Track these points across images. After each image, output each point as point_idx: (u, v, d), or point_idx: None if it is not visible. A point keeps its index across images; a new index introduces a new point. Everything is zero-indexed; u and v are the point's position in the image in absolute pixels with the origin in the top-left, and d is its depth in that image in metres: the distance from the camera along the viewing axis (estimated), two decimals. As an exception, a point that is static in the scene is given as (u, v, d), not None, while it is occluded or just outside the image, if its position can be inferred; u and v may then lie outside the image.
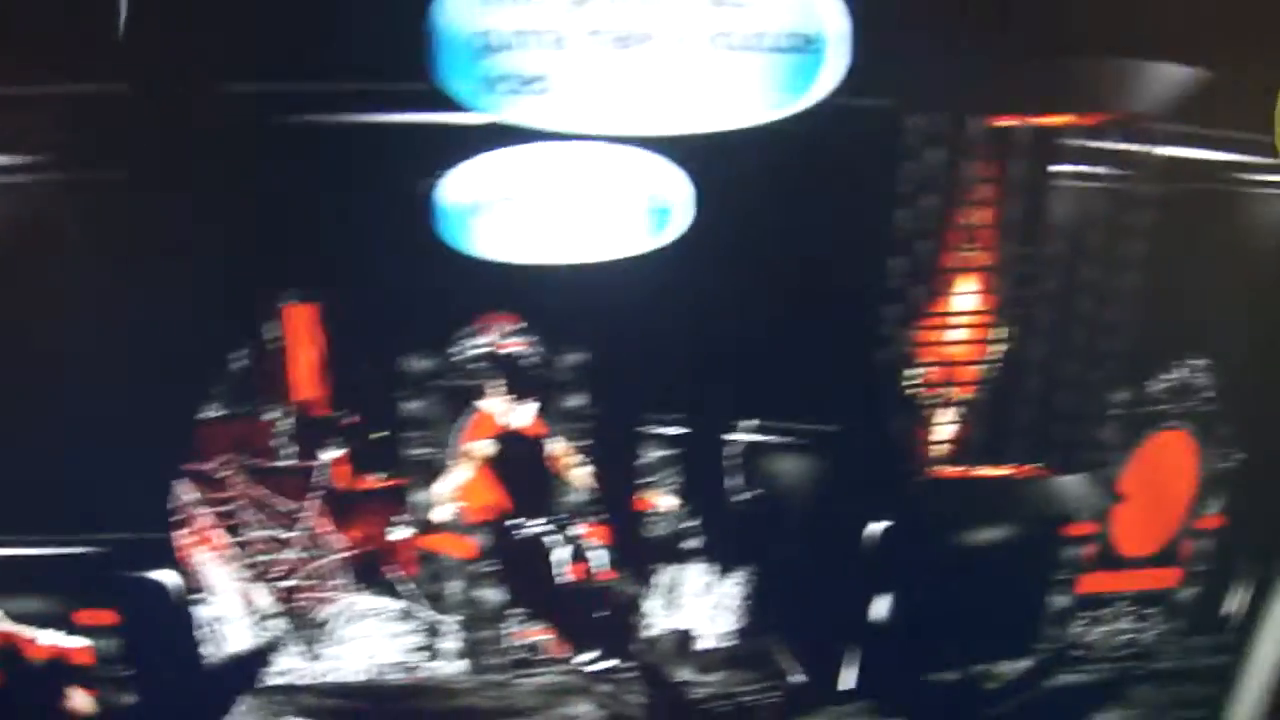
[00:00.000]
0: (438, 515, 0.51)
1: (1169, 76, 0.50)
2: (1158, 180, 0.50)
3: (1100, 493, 0.54)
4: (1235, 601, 0.60)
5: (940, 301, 0.48)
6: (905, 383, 0.49)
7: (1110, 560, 0.56)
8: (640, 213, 0.43)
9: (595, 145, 0.42)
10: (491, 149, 0.41)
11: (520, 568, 0.52)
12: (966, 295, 0.49)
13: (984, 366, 0.48)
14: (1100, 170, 0.49)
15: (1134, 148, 0.49)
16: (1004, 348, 0.48)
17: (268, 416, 0.55)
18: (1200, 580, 0.58)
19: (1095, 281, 0.51)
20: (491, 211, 0.42)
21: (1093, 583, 0.57)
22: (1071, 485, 0.54)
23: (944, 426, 0.50)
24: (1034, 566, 0.55)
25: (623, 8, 0.39)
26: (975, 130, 0.46)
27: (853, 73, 0.43)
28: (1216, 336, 0.53)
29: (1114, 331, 0.52)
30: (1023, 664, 0.60)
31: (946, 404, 0.50)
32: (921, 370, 0.48)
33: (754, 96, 0.41)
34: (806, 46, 0.42)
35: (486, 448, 0.50)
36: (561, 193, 0.43)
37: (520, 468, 0.52)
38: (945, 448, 0.50)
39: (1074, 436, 0.53)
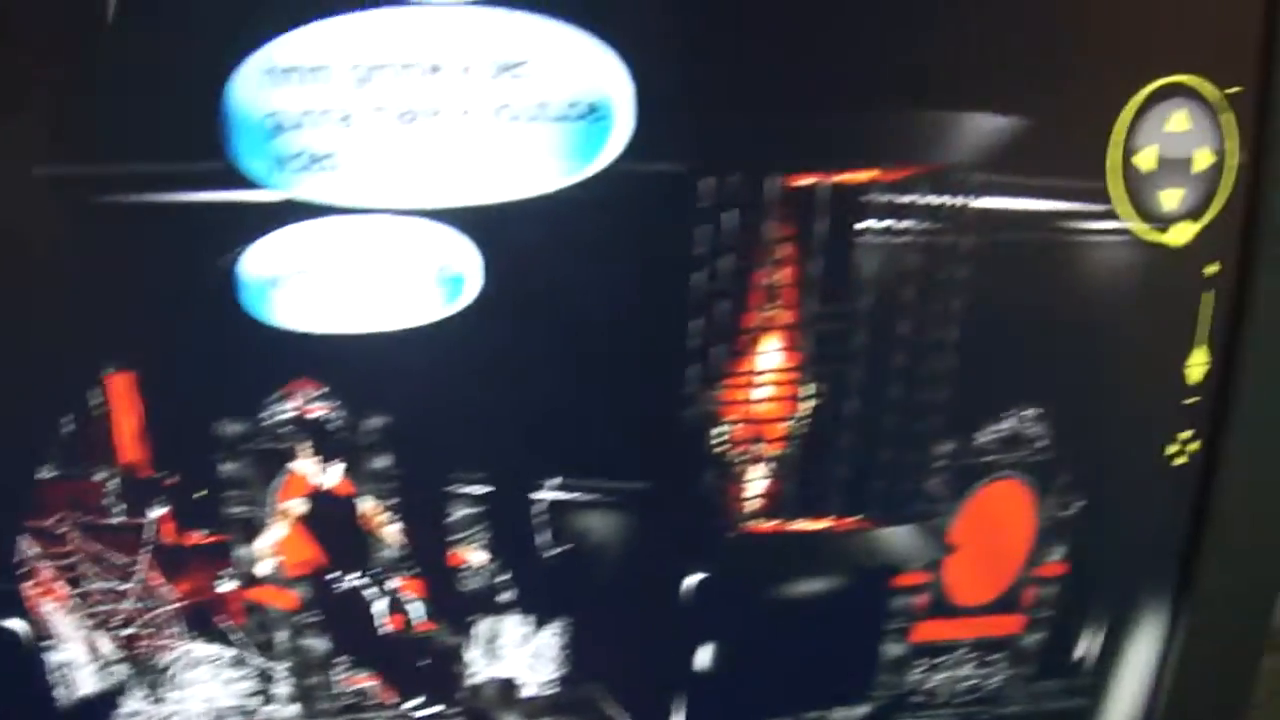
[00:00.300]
0: (260, 569, 0.52)
1: (980, 127, 0.48)
2: (973, 231, 0.48)
3: (929, 543, 0.53)
4: (1086, 645, 0.59)
5: (744, 360, 0.47)
6: (712, 440, 0.48)
7: (945, 608, 0.55)
8: (432, 282, 0.42)
9: (387, 218, 0.42)
10: (287, 224, 0.41)
11: (341, 618, 0.53)
12: (771, 353, 0.48)
13: (794, 422, 0.48)
14: (911, 224, 0.47)
15: (946, 200, 0.48)
16: (814, 403, 0.47)
17: (98, 477, 0.56)
18: (1045, 626, 0.56)
19: (911, 335, 0.49)
20: (290, 284, 0.42)
21: (928, 630, 0.55)
22: (897, 536, 0.53)
23: (756, 482, 0.49)
24: (862, 616, 0.54)
25: (405, 85, 0.39)
26: (772, 189, 0.45)
27: (643, 138, 0.43)
28: (1046, 385, 0.51)
29: (934, 383, 0.50)
30: (859, 710, 0.59)
31: (757, 460, 0.49)
32: (728, 428, 0.47)
33: (541, 165, 0.41)
34: (591, 114, 0.41)
35: (299, 506, 0.50)
36: (356, 264, 0.43)
37: (333, 525, 0.52)
38: (759, 503, 0.50)
39: (896, 489, 0.52)
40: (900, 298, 0.52)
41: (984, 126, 0.50)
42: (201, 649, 0.54)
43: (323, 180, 0.43)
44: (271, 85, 0.41)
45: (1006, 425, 0.55)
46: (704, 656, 0.55)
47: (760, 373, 0.51)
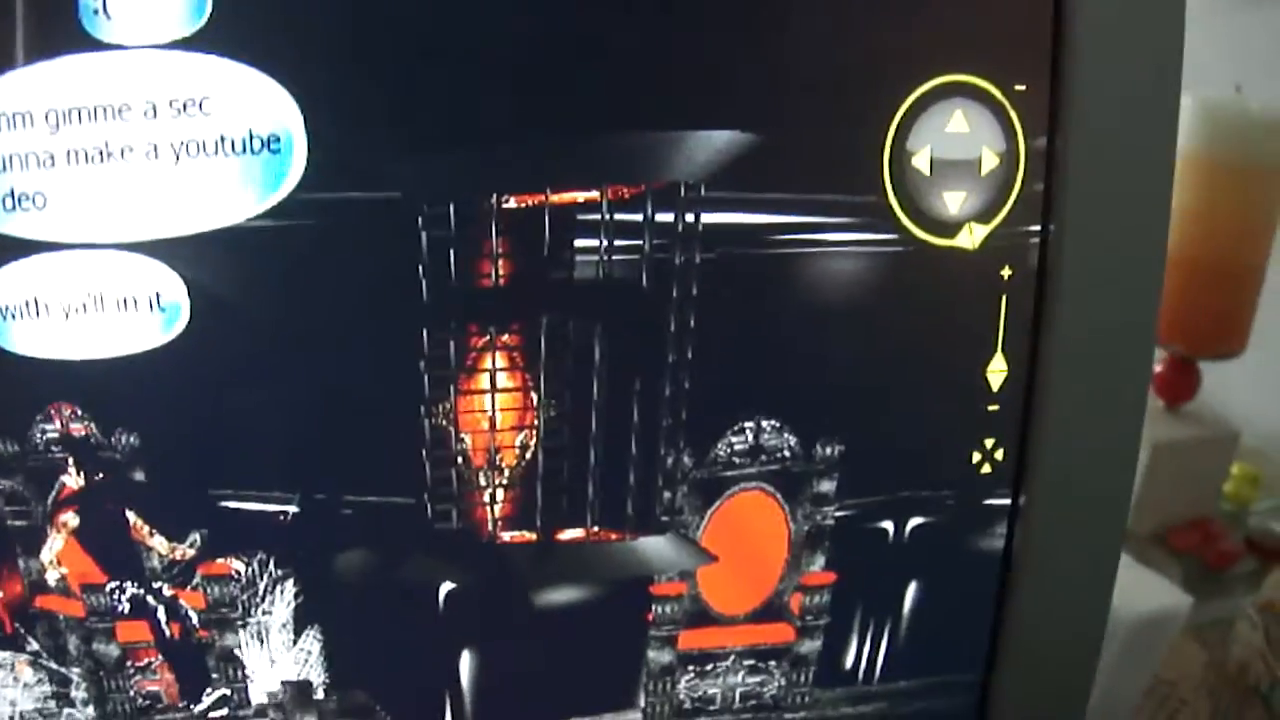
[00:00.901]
0: (46, 578, 0.55)
1: (700, 143, 0.49)
2: (697, 247, 0.49)
3: (681, 553, 0.53)
4: (869, 652, 0.59)
5: (473, 377, 0.48)
6: (450, 454, 0.50)
7: (707, 617, 0.55)
8: (149, 311, 0.45)
9: (102, 252, 0.45)
10: (9, 260, 0.44)
11: (126, 625, 0.56)
12: (499, 371, 0.49)
13: (530, 436, 0.49)
14: (636, 242, 0.48)
15: (668, 217, 0.49)
16: (548, 418, 0.48)
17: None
18: (820, 634, 0.56)
19: (641, 352, 0.50)
20: (20, 316, 0.45)
21: (694, 639, 0.56)
22: (645, 548, 0.54)
23: (499, 495, 0.50)
24: (623, 624, 0.55)
25: (95, 129, 0.43)
26: (486, 211, 0.47)
27: (333, 166, 0.46)
28: (784, 396, 0.52)
29: (669, 398, 0.51)
30: (631, 716, 0.59)
31: (498, 473, 0.50)
32: (466, 447, 0.49)
33: (231, 197, 0.43)
34: (274, 145, 0.44)
35: (72, 519, 0.53)
36: (78, 296, 0.45)
37: (106, 536, 0.55)
38: (503, 515, 0.51)
39: (638, 502, 0.53)
40: (628, 314, 0.54)
41: (721, 142, 0.52)
42: (2, 655, 0.58)
43: (32, 219, 0.47)
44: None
45: (746, 437, 0.57)
46: (466, 663, 0.58)
47: (491, 389, 0.53)
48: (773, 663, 0.60)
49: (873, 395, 0.57)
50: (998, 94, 0.49)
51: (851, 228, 0.53)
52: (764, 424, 0.56)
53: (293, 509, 0.55)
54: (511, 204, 0.51)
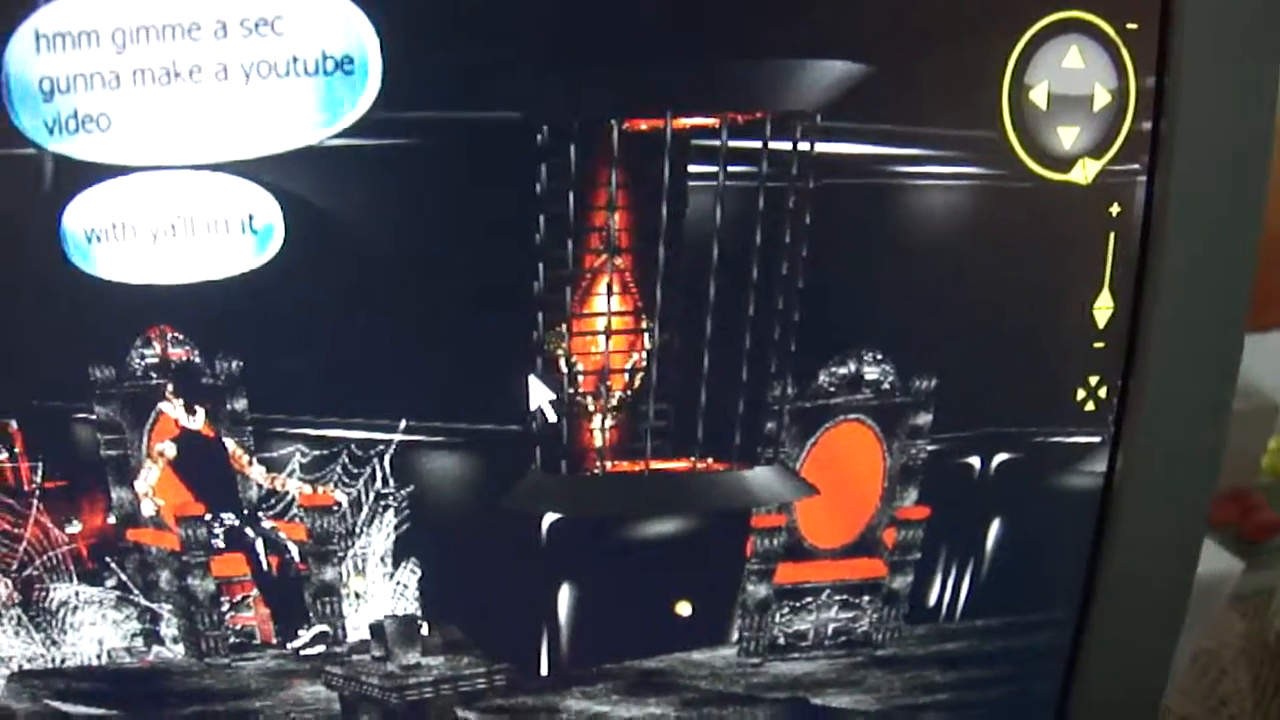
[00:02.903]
0: (140, 510, 0.54)
1: (818, 73, 0.49)
2: (811, 176, 0.50)
3: (783, 484, 0.53)
4: (956, 590, 0.59)
5: (585, 304, 0.48)
6: (559, 383, 0.49)
7: (802, 551, 0.55)
8: (241, 234, 0.44)
9: (189, 173, 0.44)
10: (92, 183, 0.43)
11: (221, 557, 0.55)
12: (611, 297, 0.49)
13: (639, 365, 0.49)
14: (750, 169, 0.49)
15: (784, 145, 0.49)
16: (659, 346, 0.48)
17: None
18: (911, 570, 0.57)
19: (752, 280, 0.51)
20: (107, 240, 0.44)
21: (789, 573, 0.56)
22: (749, 479, 0.54)
23: (606, 424, 0.50)
24: (721, 557, 0.55)
25: (164, 48, 0.42)
26: (606, 135, 0.47)
27: (421, 86, 0.45)
28: (887, 330, 0.52)
29: (777, 328, 0.51)
30: (725, 652, 0.59)
31: (605, 402, 0.50)
32: (578, 371, 0.49)
33: (302, 118, 0.43)
34: (347, 66, 0.44)
35: (170, 448, 0.52)
36: (167, 219, 0.45)
37: (204, 466, 0.54)
38: (610, 444, 0.51)
39: (746, 431, 0.53)
40: (739, 242, 0.54)
41: (839, 72, 0.51)
42: (89, 591, 0.57)
43: (95, 140, 0.46)
44: (40, 51, 0.44)
45: (848, 368, 0.57)
46: (565, 597, 0.57)
47: (602, 316, 0.53)
48: (865, 598, 0.61)
49: (982, 330, 0.57)
50: (1110, 31, 0.49)
51: (967, 161, 0.53)
52: (866, 355, 0.56)
53: (397, 436, 0.54)
54: (629, 128, 0.51)
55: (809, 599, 0.60)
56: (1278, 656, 0.88)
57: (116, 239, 0.48)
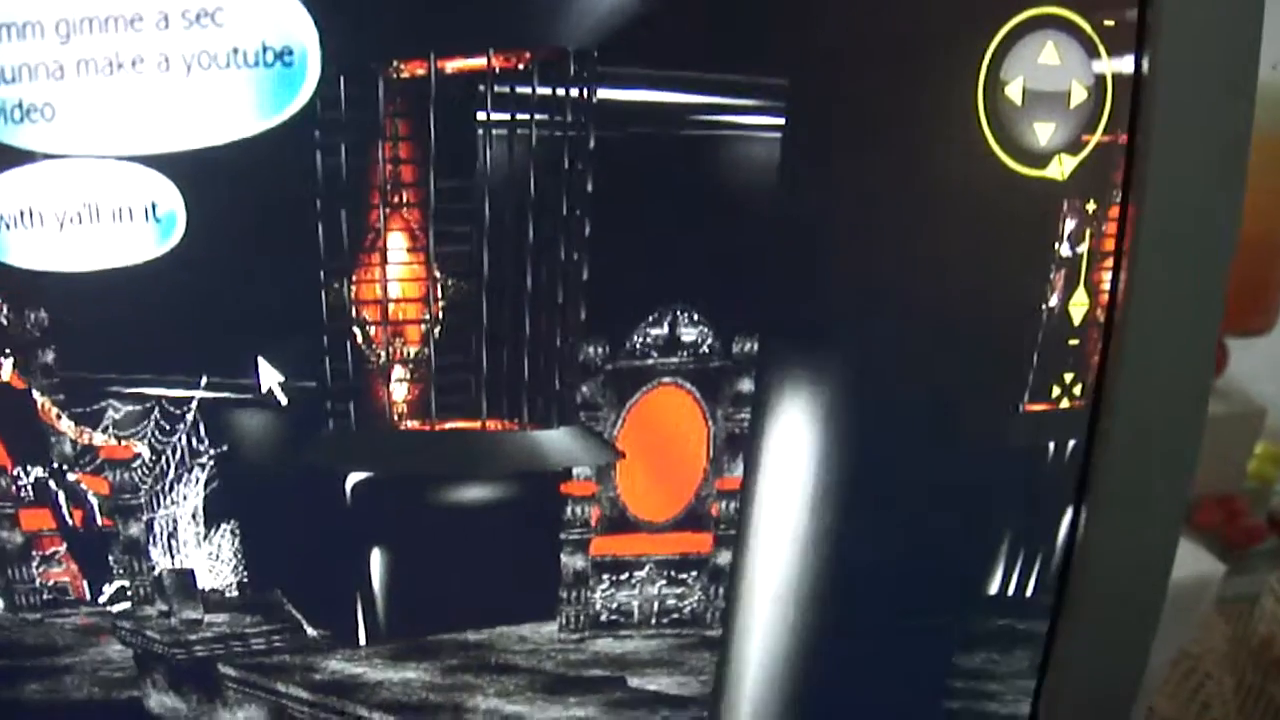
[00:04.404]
0: None
1: (609, 8, 0.47)
2: (610, 125, 0.47)
3: (583, 447, 0.51)
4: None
5: (372, 258, 0.47)
6: (353, 339, 0.48)
7: (626, 523, 0.52)
8: (145, 222, 0.44)
9: (101, 163, 0.44)
10: (6, 170, 0.44)
11: (29, 510, 0.54)
12: (400, 251, 0.47)
13: (432, 321, 0.47)
14: (538, 116, 0.46)
15: (577, 91, 0.47)
16: (451, 302, 0.46)
17: None
18: (734, 544, 0.53)
19: (550, 234, 0.48)
20: (15, 226, 0.44)
21: (607, 545, 0.53)
22: (543, 440, 0.51)
23: (403, 381, 0.48)
24: (535, 524, 0.52)
25: (106, 39, 0.42)
26: (371, 81, 0.45)
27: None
28: (707, 288, 0.49)
29: (580, 284, 0.49)
30: (549, 626, 0.56)
31: (401, 359, 0.48)
32: (369, 326, 0.47)
33: (242, 110, 0.43)
34: (288, 58, 0.44)
35: None
36: (74, 207, 0.45)
37: (12, 418, 0.54)
38: (408, 402, 0.49)
39: (537, 391, 0.50)
40: (538, 194, 0.52)
41: (610, 8, 0.50)
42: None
43: (40, 130, 0.47)
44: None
45: (664, 329, 0.55)
46: (377, 563, 0.56)
47: (390, 271, 0.52)
48: (691, 574, 0.58)
49: (749, 291, 0.55)
50: (1087, 27, 0.49)
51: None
52: (685, 314, 0.54)
53: (199, 394, 0.54)
54: (396, 74, 0.50)
55: (630, 573, 0.57)
56: (1261, 661, 0.85)
57: (25, 227, 0.49)
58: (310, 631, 0.58)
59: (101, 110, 0.48)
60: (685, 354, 0.54)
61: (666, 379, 0.55)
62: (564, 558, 0.57)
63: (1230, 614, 0.95)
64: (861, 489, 0.58)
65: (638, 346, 0.54)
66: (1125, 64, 0.49)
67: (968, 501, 0.58)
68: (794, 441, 0.57)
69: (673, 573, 0.58)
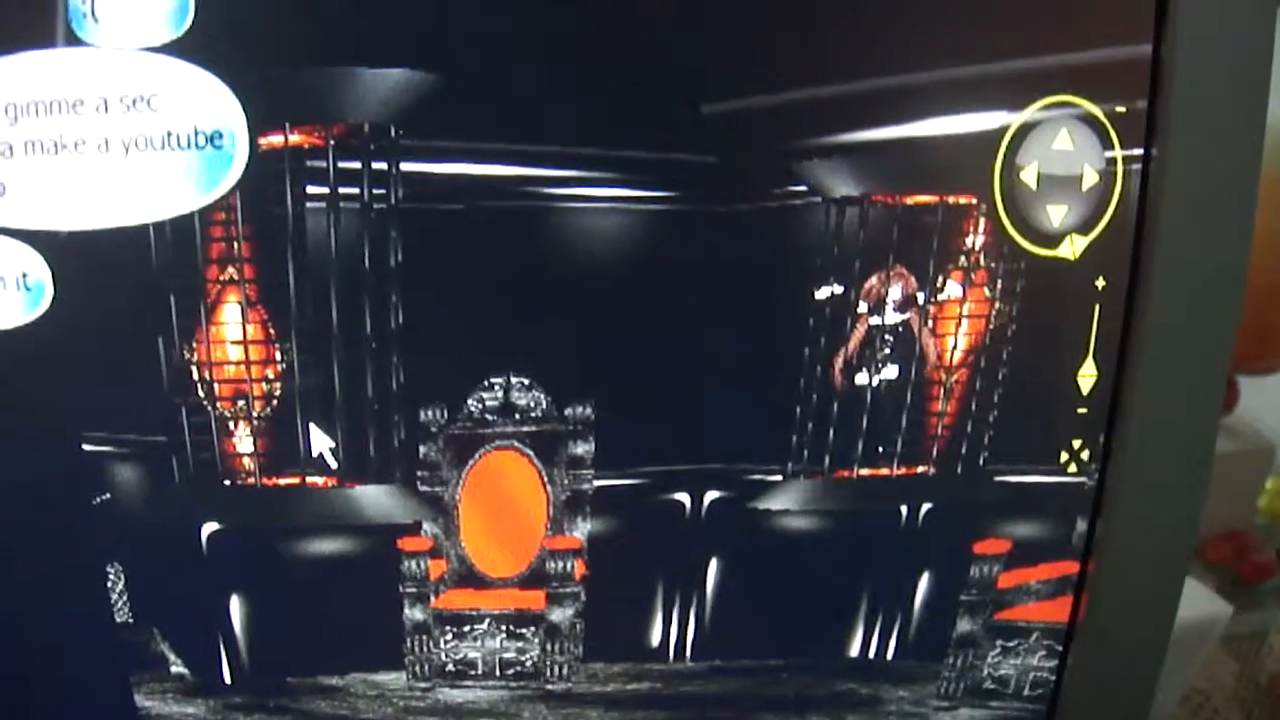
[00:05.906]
0: None
1: (402, 83, 0.49)
2: (423, 198, 0.49)
3: (396, 504, 0.52)
4: (626, 626, 0.56)
5: (213, 320, 0.49)
6: (199, 398, 0.50)
7: (474, 579, 0.53)
8: (14, 291, 0.48)
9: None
10: None
11: None
12: (238, 312, 0.49)
13: (274, 381, 0.49)
14: (354, 190, 0.48)
15: (380, 165, 0.48)
16: (291, 363, 0.48)
17: None
18: (570, 602, 0.54)
19: (377, 299, 0.50)
20: None
21: (448, 599, 0.54)
22: (359, 496, 0.52)
23: (248, 438, 0.50)
24: (377, 577, 0.54)
25: (50, 122, 0.46)
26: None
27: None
28: (536, 352, 0.50)
29: (418, 349, 0.50)
30: (390, 676, 0.58)
31: (244, 418, 0.50)
32: (212, 386, 0.49)
33: (176, 190, 0.46)
34: (219, 141, 0.47)
35: None
36: None
37: None
38: (254, 458, 0.51)
39: (367, 449, 0.52)
40: (360, 264, 0.55)
41: (402, 83, 0.53)
42: None
43: None
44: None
45: (498, 394, 0.57)
46: (237, 609, 0.60)
47: (233, 333, 0.56)
48: (529, 629, 0.60)
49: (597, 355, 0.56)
50: (1100, 115, 0.52)
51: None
52: (517, 380, 0.56)
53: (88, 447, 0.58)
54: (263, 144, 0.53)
55: (470, 626, 0.60)
56: (1269, 697, 0.86)
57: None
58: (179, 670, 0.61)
59: (50, 187, 0.53)
60: (520, 418, 0.57)
61: (502, 442, 0.57)
62: (406, 609, 0.60)
63: (1239, 651, 0.95)
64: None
65: (474, 411, 0.57)
66: (1135, 149, 0.51)
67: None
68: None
69: (511, 627, 0.60)
